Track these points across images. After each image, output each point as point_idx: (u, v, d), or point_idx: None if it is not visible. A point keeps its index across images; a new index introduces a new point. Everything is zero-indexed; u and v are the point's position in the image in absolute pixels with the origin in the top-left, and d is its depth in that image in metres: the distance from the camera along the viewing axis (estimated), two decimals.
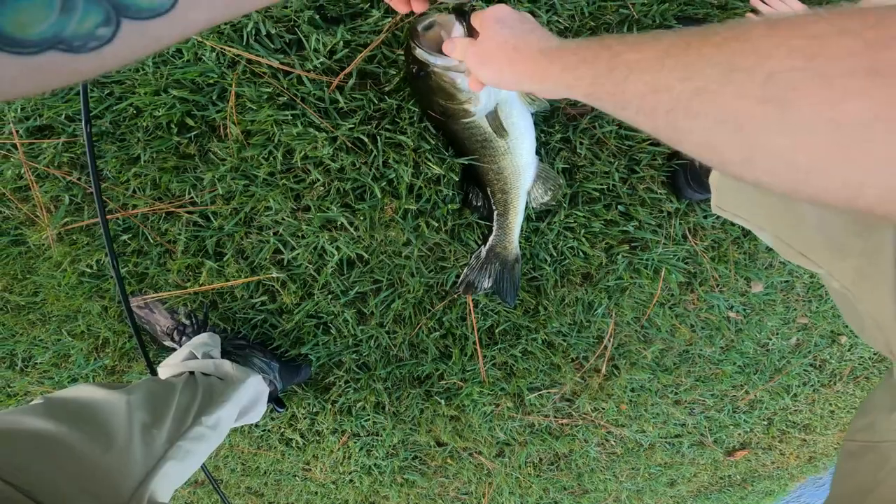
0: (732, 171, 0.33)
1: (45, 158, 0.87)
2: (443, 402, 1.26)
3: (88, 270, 1.01)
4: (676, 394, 1.33)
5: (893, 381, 0.54)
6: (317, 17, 0.84)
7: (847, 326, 1.25)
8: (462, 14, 0.68)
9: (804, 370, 1.32)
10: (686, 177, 0.97)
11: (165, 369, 1.00)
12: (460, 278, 1.05)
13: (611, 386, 1.27)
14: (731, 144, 0.31)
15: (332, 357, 1.19)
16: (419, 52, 0.74)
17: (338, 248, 1.03)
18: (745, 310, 1.18)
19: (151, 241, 0.99)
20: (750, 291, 1.14)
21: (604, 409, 1.32)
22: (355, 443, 1.39)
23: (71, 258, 0.98)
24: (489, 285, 1.04)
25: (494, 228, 1.01)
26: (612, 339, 1.19)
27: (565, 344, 1.18)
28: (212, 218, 1.00)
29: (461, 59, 0.66)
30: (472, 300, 1.11)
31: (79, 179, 0.90)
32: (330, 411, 1.31)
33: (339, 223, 1.01)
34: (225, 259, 1.04)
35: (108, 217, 0.94)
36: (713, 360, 1.26)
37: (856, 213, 0.29)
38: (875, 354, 1.34)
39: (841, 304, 0.66)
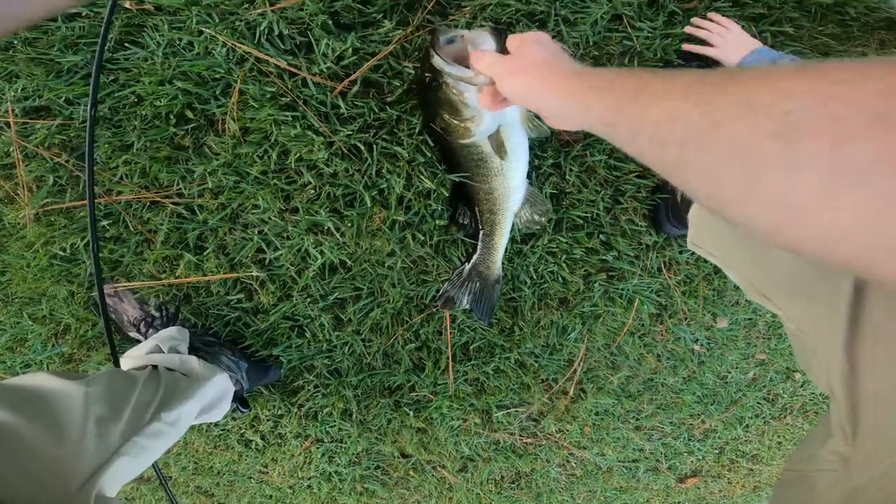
0: (725, 207, 0.34)
1: (36, 138, 0.85)
2: (411, 413, 1.28)
3: (61, 253, 0.99)
4: (638, 420, 1.38)
5: (830, 416, 0.59)
6: (330, 22, 0.85)
7: None
8: (499, 32, 0.71)
9: (758, 403, 1.40)
10: (667, 212, 1.03)
11: (128, 360, 0.97)
12: (440, 292, 1.08)
13: (577, 408, 1.31)
14: (733, 178, 0.31)
15: (304, 361, 1.19)
16: (437, 60, 0.75)
17: (322, 253, 1.04)
18: (708, 343, 1.25)
19: (132, 228, 0.98)
20: (715, 326, 1.21)
21: (568, 430, 1.37)
22: (318, 448, 1.39)
23: (45, 239, 0.96)
24: (467, 303, 1.07)
25: (479, 247, 1.04)
26: (581, 364, 1.23)
27: (537, 365, 1.22)
28: (197, 211, 0.99)
29: (487, 71, 0.68)
30: (450, 315, 1.14)
31: (67, 162, 0.88)
32: (295, 415, 1.30)
33: (325, 228, 1.02)
34: (205, 253, 1.03)
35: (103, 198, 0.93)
36: (675, 390, 1.32)
37: (831, 264, 0.29)
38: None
39: (795, 343, 0.71)
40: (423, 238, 1.04)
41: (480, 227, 1.02)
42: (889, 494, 0.43)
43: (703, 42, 0.90)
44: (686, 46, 0.91)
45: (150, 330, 1.10)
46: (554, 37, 0.91)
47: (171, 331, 1.06)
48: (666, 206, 1.03)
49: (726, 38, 0.86)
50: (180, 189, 0.96)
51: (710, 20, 0.90)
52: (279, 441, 1.38)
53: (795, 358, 1.22)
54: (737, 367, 1.31)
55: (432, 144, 0.95)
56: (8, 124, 0.83)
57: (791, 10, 0.92)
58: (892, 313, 0.46)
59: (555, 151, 0.98)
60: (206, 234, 1.02)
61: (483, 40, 0.74)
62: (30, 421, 0.64)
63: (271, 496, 1.58)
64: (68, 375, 0.76)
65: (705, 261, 1.11)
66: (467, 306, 1.07)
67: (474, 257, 1.04)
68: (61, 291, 1.05)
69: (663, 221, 1.04)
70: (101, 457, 0.70)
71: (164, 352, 0.99)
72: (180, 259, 1.03)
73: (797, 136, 0.28)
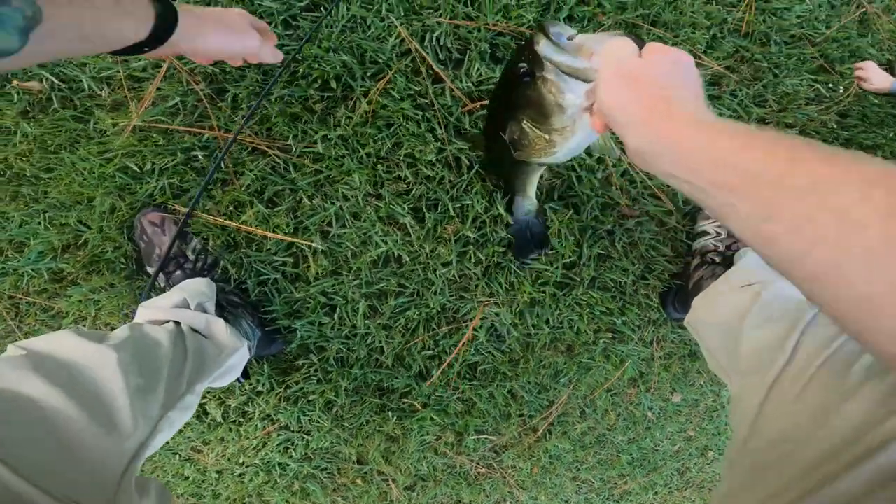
0: (812, 268, 0.35)
1: (191, 65, 0.85)
2: (393, 419, 1.33)
3: (134, 168, 0.95)
4: (579, 470, 1.57)
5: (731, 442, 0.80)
6: (488, 51, 0.99)
7: (716, 445, 1.64)
8: (639, 40, 0.56)
9: (671, 473, 1.66)
10: (674, 297, 1.26)
11: (149, 311, 0.92)
12: (515, 246, 1.11)
13: (538, 448, 1.46)
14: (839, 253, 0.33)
15: (319, 341, 1.21)
16: (544, 45, 0.61)
17: (385, 242, 1.11)
18: (660, 413, 1.49)
19: (222, 165, 0.98)
20: (670, 399, 1.46)
21: (520, 468, 1.50)
22: (279, 435, 1.37)
23: (127, 151, 0.92)
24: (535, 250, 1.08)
25: (515, 200, 1.03)
26: (559, 408, 1.40)
27: (524, 399, 1.36)
28: (291, 169, 1.02)
29: (613, 58, 0.54)
30: (473, 333, 1.25)
31: (200, 90, 0.88)
32: (276, 395, 1.29)
33: (400, 222, 1.11)
34: (277, 209, 1.05)
35: (198, 131, 0.93)
36: (618, 448, 1.54)
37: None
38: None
39: (732, 399, 0.94)
40: (480, 258, 1.16)
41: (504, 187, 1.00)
42: (756, 463, 0.62)
43: None
44: None
45: (178, 272, 1.06)
46: None
47: (201, 284, 1.02)
48: (675, 292, 1.26)
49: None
50: (288, 145, 0.99)
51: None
52: (241, 419, 1.34)
53: (728, 410, 1.50)
54: (670, 438, 1.57)
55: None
56: None
57: (836, 146, 1.22)
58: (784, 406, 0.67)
59: (613, 221, 1.17)
60: (287, 192, 1.05)
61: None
62: (78, 405, 0.61)
63: (188, 477, 1.48)
64: (89, 335, 0.71)
65: (686, 343, 1.36)
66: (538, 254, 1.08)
67: (514, 208, 1.04)
68: (106, 203, 0.99)
69: (668, 304, 1.28)
70: (142, 437, 0.68)
71: (190, 308, 0.95)
72: (250, 207, 1.04)
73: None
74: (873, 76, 1.25)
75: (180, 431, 1.37)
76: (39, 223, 0.98)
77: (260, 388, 1.29)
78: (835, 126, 1.20)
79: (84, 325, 1.11)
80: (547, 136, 0.68)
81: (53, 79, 0.90)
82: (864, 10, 1.27)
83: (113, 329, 1.13)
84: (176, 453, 1.43)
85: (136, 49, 0.59)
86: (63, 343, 0.67)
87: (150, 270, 1.08)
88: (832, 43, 1.25)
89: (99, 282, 1.07)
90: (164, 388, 0.76)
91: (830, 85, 1.20)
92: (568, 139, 0.67)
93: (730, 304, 0.98)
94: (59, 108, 0.90)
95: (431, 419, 1.33)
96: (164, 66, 0.86)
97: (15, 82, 0.91)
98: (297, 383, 1.27)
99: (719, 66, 1.11)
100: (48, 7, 0.44)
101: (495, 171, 0.90)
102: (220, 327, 0.97)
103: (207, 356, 0.90)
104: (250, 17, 0.74)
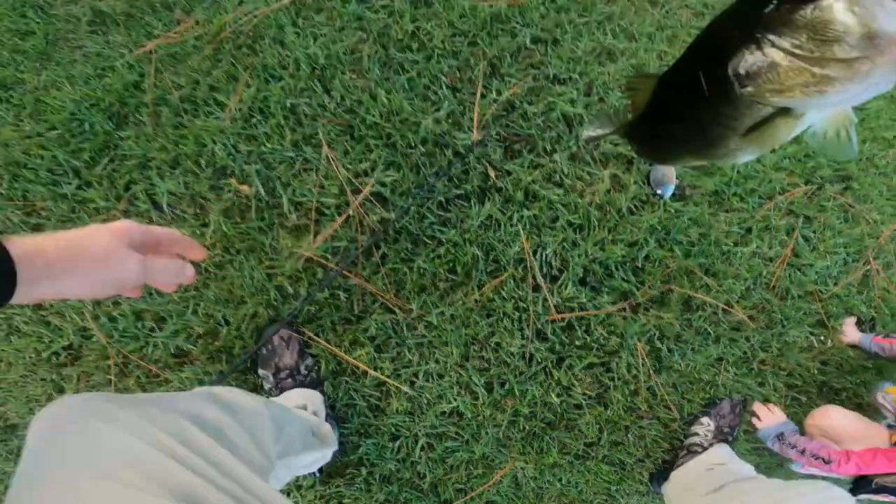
0: None
1: (370, 211, 1.11)
2: None
3: (288, 289, 1.19)
4: None
5: None
6: (580, 275, 1.30)
7: None
8: None
9: None
10: (660, 475, 1.57)
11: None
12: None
13: None
14: None
15: (375, 459, 1.44)
16: None
17: (456, 401, 1.37)
18: None
19: (353, 306, 1.23)
20: None
21: None
22: None
23: (291, 274, 1.17)
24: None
25: None
26: None
27: None
28: (405, 328, 1.28)
29: None
30: (500, 479, 1.50)
31: (361, 243, 1.16)
32: (315, 492, 1.49)
33: (472, 390, 1.37)
34: (382, 355, 1.30)
35: (347, 275, 1.21)
36: None
37: None
38: None
39: None
40: (525, 427, 1.43)
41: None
42: None
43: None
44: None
45: (289, 380, 1.29)
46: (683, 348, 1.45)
47: (316, 396, 1.27)
48: (662, 472, 1.58)
49: (773, 414, 1.50)
50: (410, 308, 1.26)
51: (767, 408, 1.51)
52: None
53: None
54: None
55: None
56: (359, 191, 1.10)
57: (812, 387, 1.56)
58: None
59: (631, 420, 1.48)
60: (395, 343, 1.30)
61: None
62: (240, 426, 0.80)
63: None
64: (249, 395, 0.93)
65: None
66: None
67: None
68: (253, 309, 1.22)
69: (655, 480, 1.58)
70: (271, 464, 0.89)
71: (307, 410, 1.20)
72: (362, 347, 1.28)
73: None
74: (848, 330, 1.57)
75: None
76: (188, 307, 1.20)
77: (302, 482, 1.49)
78: (815, 371, 1.56)
79: None
80: (818, 70, 0.46)
81: (261, 188, 1.15)
82: (869, 267, 1.57)
83: None
84: None
85: None
86: (232, 392, 0.89)
87: (262, 373, 1.30)
88: (835, 299, 1.57)
89: (215, 368, 1.28)
90: (282, 443, 0.97)
91: (822, 337, 1.56)
92: (856, 78, 0.45)
93: (696, 476, 1.37)
94: (253, 218, 1.14)
95: None
96: (348, 212, 1.13)
97: (233, 180, 1.14)
98: (337, 486, 1.47)
99: (745, 314, 1.46)
100: None
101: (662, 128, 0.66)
102: (327, 430, 1.23)
103: (311, 440, 1.15)
104: (136, 229, 0.59)
